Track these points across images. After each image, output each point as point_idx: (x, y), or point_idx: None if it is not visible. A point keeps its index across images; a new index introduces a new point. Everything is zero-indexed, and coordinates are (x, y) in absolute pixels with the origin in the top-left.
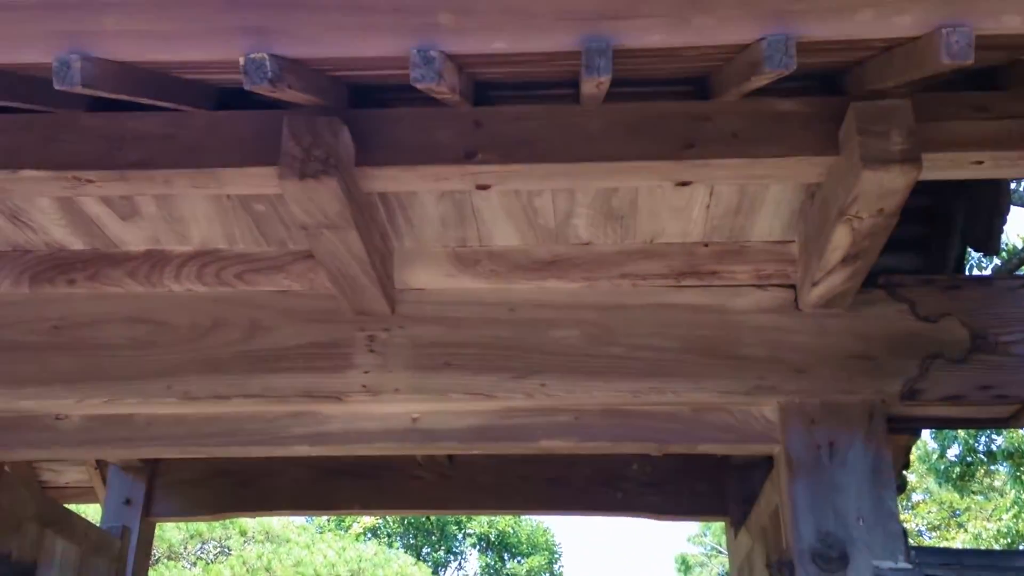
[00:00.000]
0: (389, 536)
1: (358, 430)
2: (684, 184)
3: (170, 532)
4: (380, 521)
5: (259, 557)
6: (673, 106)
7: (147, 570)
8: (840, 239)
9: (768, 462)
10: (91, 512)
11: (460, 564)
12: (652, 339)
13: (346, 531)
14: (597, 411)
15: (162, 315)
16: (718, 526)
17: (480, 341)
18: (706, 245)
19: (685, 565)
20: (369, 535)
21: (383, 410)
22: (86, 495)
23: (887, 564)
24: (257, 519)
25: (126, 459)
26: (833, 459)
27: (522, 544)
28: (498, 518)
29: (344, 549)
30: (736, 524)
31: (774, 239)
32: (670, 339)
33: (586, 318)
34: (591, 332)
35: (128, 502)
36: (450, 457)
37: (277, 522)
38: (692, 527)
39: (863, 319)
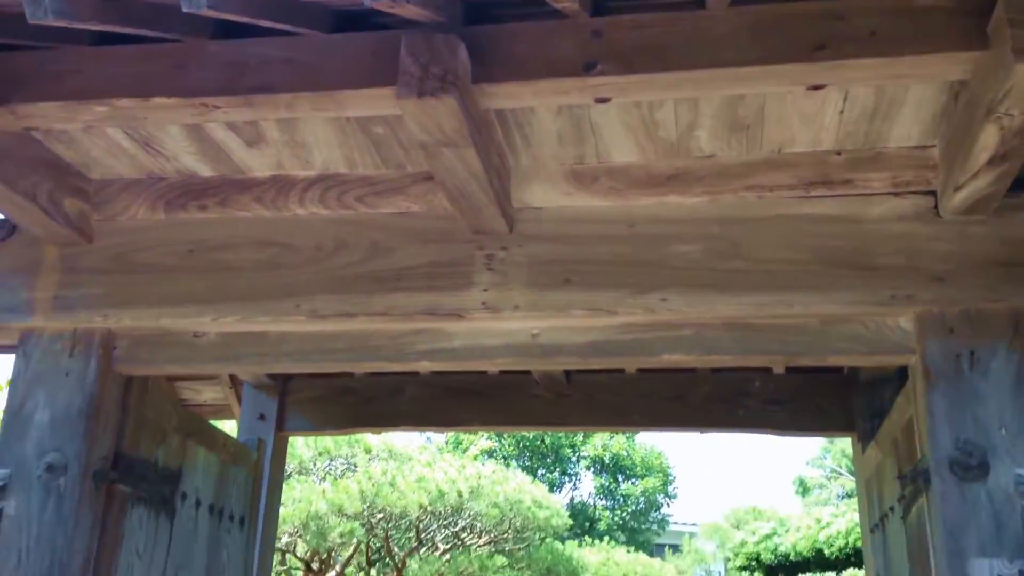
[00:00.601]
0: (505, 458)
1: (479, 346)
2: (816, 88)
3: (300, 449)
4: (496, 444)
5: (384, 473)
6: (803, 6)
7: (282, 480)
8: (988, 139)
9: (898, 377)
10: (227, 429)
11: (575, 485)
12: (779, 252)
13: (463, 453)
14: (720, 325)
15: (288, 238)
16: (838, 449)
17: (599, 258)
18: (839, 153)
19: (803, 487)
20: (486, 457)
21: (503, 327)
22: (223, 412)
23: None
24: (381, 438)
25: (259, 376)
26: (974, 368)
27: (636, 467)
28: (612, 441)
29: (463, 467)
30: (864, 439)
31: (913, 144)
32: (799, 251)
33: (709, 232)
34: (714, 246)
35: (262, 417)
36: (567, 376)
37: (399, 442)
38: (811, 451)
39: (1009, 224)
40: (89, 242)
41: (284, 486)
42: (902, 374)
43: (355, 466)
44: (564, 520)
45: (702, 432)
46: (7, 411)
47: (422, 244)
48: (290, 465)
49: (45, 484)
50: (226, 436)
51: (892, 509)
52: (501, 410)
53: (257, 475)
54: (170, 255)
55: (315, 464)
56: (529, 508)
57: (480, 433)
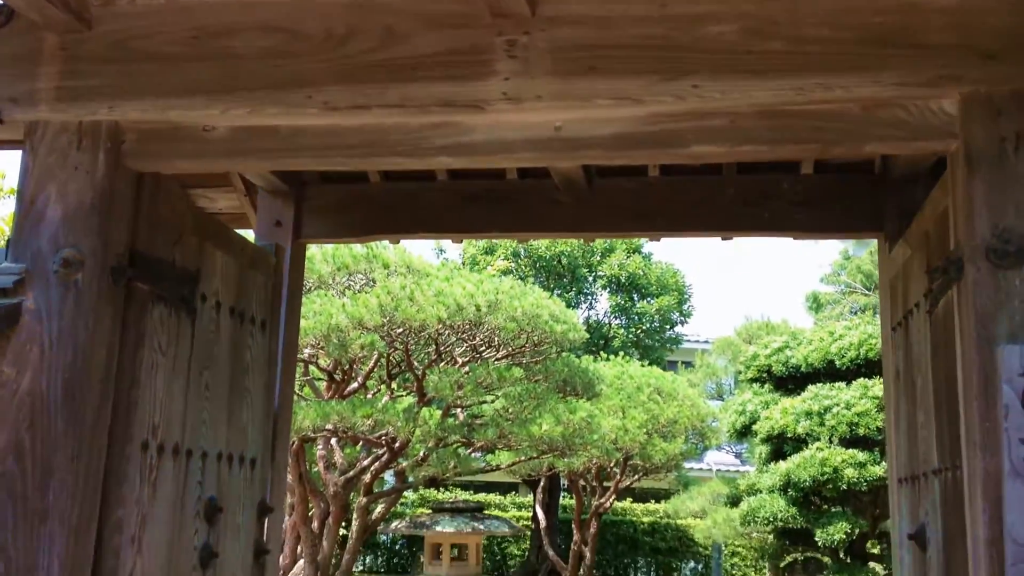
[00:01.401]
0: (522, 278)
1: (499, 140)
2: None
3: (319, 264)
4: (512, 264)
5: (402, 288)
6: None
7: (302, 287)
8: None
9: (931, 174)
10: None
11: (591, 304)
12: (821, 30)
13: (480, 272)
14: (754, 113)
15: (296, 23)
16: (854, 265)
17: (627, 42)
18: None
19: (816, 303)
20: (502, 276)
21: (525, 119)
22: (238, 221)
23: None
24: (399, 255)
25: (273, 181)
26: (1019, 152)
27: (652, 285)
28: (628, 260)
29: (481, 282)
30: (892, 238)
31: None
32: (843, 29)
33: (746, 11)
34: (751, 26)
35: (278, 224)
36: (589, 180)
37: (416, 258)
38: (825, 268)
39: None
40: (88, 28)
41: (304, 299)
42: (935, 171)
43: (373, 281)
44: (581, 334)
45: (726, 237)
46: (18, 207)
47: (438, 30)
48: (309, 280)
49: (63, 279)
50: (244, 240)
51: (917, 305)
52: (521, 216)
53: (277, 280)
54: (173, 42)
55: (334, 279)
56: (546, 322)
57: (497, 253)
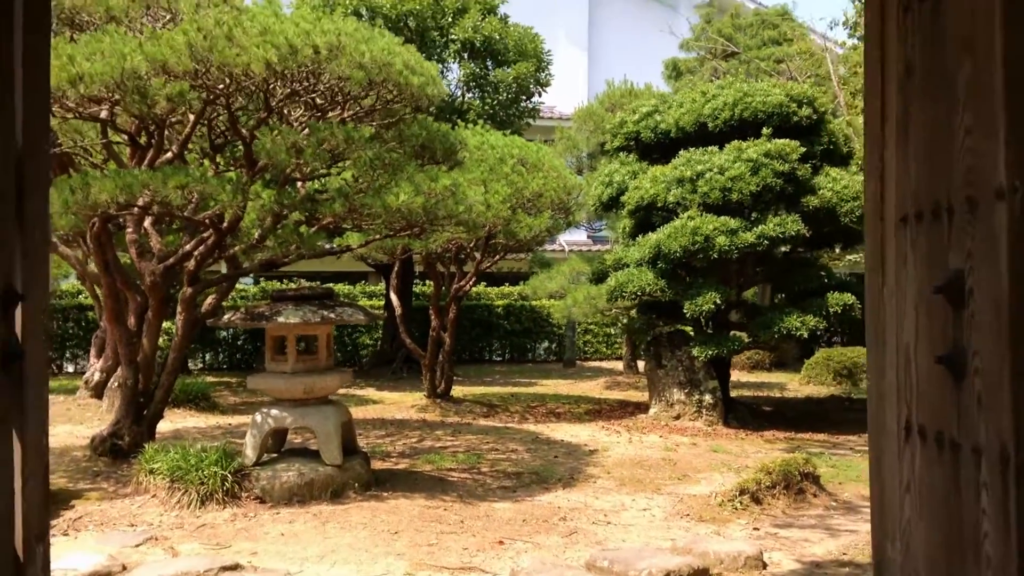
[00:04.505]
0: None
1: None
2: None
3: None
4: (364, 15)
5: (218, 24)
6: None
7: None
8: None
9: None
10: None
11: (443, 73)
12: None
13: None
14: None
15: None
16: (715, 28)
17: None
18: None
19: (676, 71)
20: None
21: None
22: None
23: None
24: None
25: None
26: None
27: (509, 51)
28: (484, 22)
29: (319, 19)
30: None
31: None
32: None
33: None
34: None
35: None
36: None
37: None
38: (685, 30)
39: None
40: None
41: (91, 37)
42: None
43: (180, 14)
44: (441, 89)
45: None
46: None
47: None
48: (95, 13)
49: None
50: None
51: None
52: None
53: None
54: None
55: (128, 13)
56: (400, 72)
57: (336, 11)
